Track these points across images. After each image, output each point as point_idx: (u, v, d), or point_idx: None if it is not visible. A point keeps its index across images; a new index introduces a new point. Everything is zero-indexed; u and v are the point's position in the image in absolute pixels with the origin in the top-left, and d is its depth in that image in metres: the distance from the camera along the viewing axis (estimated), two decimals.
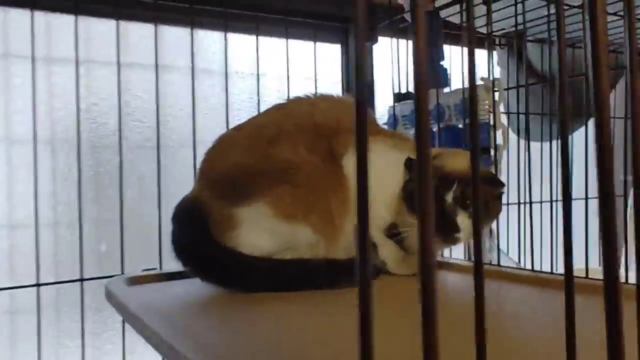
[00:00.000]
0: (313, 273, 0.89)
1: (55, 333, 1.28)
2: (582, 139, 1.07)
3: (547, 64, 1.49)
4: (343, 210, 0.93)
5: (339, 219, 0.92)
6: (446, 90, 1.21)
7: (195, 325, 0.71)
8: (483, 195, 0.88)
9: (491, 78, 1.06)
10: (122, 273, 1.12)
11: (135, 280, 0.97)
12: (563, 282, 0.32)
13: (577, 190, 1.00)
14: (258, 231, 0.91)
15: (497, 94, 1.08)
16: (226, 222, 0.91)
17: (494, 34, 1.50)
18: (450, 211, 0.87)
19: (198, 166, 1.01)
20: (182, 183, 1.41)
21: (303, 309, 0.79)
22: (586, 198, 1.00)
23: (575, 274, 0.32)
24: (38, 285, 1.12)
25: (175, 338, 0.64)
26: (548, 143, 1.54)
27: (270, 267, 0.90)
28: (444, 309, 0.79)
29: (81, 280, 1.14)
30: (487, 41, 1.17)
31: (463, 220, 0.86)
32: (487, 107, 1.10)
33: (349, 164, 0.94)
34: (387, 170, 0.95)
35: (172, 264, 1.36)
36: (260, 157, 0.93)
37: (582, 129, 1.13)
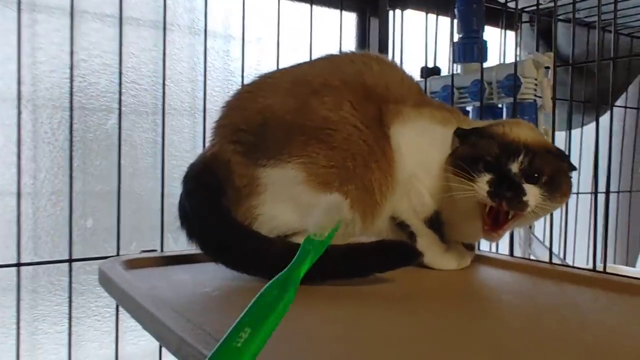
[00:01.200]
0: (333, 261, 0.71)
1: (31, 317, 1.13)
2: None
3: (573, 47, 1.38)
4: (386, 185, 0.79)
5: (380, 195, 0.79)
6: (485, 65, 1.09)
7: (211, 319, 0.58)
8: (553, 169, 0.76)
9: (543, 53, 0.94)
10: (118, 254, 0.98)
11: (133, 263, 0.84)
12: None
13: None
14: (284, 201, 0.77)
15: (549, 72, 0.96)
16: (247, 187, 0.78)
17: (524, 9, 1.38)
18: (516, 178, 0.74)
19: (219, 116, 0.85)
20: (181, 154, 1.28)
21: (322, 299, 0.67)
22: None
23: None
24: (19, 265, 0.97)
25: (194, 335, 0.51)
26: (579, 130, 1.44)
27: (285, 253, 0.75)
28: (491, 306, 0.70)
29: (70, 260, 0.99)
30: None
31: (529, 188, 0.74)
32: (534, 85, 0.99)
33: (398, 135, 0.82)
34: (433, 150, 0.83)
35: (174, 246, 1.25)
36: (299, 106, 0.79)
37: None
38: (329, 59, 0.89)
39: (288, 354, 0.49)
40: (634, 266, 1.58)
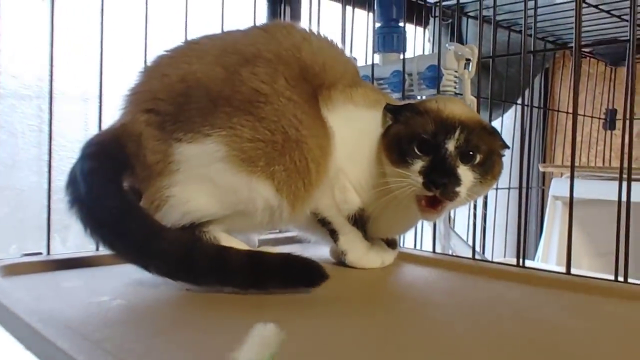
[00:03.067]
0: (230, 266, 0.64)
1: None
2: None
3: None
4: (317, 172, 0.72)
5: (311, 181, 0.71)
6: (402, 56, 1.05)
7: (112, 335, 0.49)
8: (488, 147, 0.72)
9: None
10: None
11: (13, 269, 0.71)
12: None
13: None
14: (199, 182, 0.68)
15: (470, 64, 0.94)
16: (159, 165, 0.67)
17: (436, 4, 1.37)
18: (451, 161, 0.70)
19: (134, 83, 0.73)
20: (71, 144, 1.13)
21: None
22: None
23: None
24: None
25: (91, 355, 0.42)
26: None
27: (186, 250, 0.64)
28: (421, 306, 0.66)
29: None
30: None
31: (464, 173, 0.70)
32: (455, 77, 0.97)
33: (335, 120, 0.75)
34: (363, 140, 0.77)
35: (62, 248, 1.10)
36: (227, 76, 0.69)
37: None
38: (264, 28, 0.80)
39: None
40: (532, 259, 1.64)
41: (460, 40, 1.51)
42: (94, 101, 1.10)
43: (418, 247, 1.08)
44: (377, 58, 1.12)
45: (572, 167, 0.82)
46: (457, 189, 0.69)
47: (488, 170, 0.72)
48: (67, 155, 1.14)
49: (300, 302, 0.63)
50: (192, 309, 0.61)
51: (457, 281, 0.77)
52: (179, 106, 0.68)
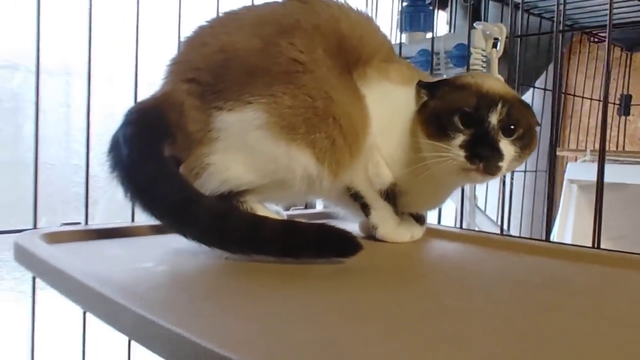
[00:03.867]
0: (265, 235, 0.65)
1: None
2: None
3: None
4: (357, 143, 0.72)
5: (352, 150, 0.71)
6: (429, 34, 1.06)
7: (164, 296, 0.51)
8: (527, 122, 0.73)
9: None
10: (35, 227, 0.85)
11: (55, 237, 0.72)
12: None
13: None
14: (238, 151, 0.68)
15: (498, 44, 0.95)
16: (200, 133, 0.68)
17: None
18: (494, 135, 0.70)
19: (175, 53, 0.75)
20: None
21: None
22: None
23: None
24: None
25: (152, 311, 0.44)
26: None
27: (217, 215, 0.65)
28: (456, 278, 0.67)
29: None
30: None
31: (505, 147, 0.71)
32: (482, 56, 0.97)
33: (370, 96, 0.75)
34: (396, 117, 0.78)
35: (90, 220, 1.12)
36: (265, 46, 0.70)
37: None
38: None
39: (248, 333, 0.42)
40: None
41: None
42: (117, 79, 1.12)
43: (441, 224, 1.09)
44: (403, 37, 1.13)
45: (602, 151, 0.83)
46: (500, 163, 0.70)
47: (527, 145, 0.73)
48: (94, 132, 1.16)
49: (334, 272, 0.63)
50: (232, 276, 0.62)
51: (487, 255, 0.78)
52: (218, 76, 0.69)
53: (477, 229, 1.17)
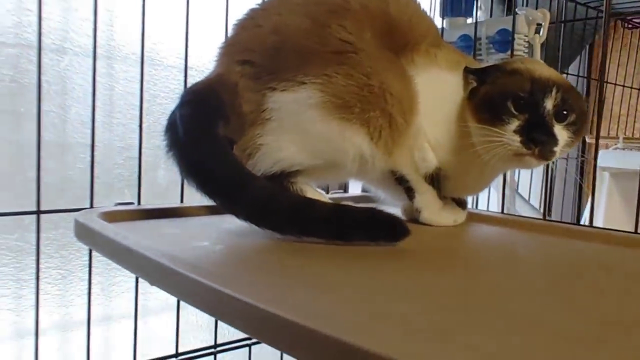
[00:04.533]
0: (316, 217, 0.66)
1: None
2: None
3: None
4: (411, 118, 0.73)
5: (406, 127, 0.72)
6: (469, 20, 1.06)
7: (228, 273, 0.52)
8: (579, 107, 0.74)
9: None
10: (92, 206, 0.88)
11: (111, 216, 0.75)
12: None
13: None
14: (290, 131, 0.70)
15: (541, 29, 0.95)
16: (253, 114, 0.70)
17: None
18: (549, 120, 0.71)
19: (228, 35, 0.76)
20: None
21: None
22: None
23: None
24: None
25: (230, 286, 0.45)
26: None
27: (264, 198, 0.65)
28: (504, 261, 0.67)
29: (38, 212, 0.87)
30: None
31: (559, 132, 0.71)
32: (525, 42, 0.97)
33: (418, 81, 0.76)
34: (443, 102, 0.79)
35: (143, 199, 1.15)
36: (315, 28, 0.71)
37: None
38: None
39: (328, 305, 0.44)
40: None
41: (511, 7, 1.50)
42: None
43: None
44: (442, 22, 1.13)
45: None
46: (555, 148, 0.71)
47: (578, 130, 0.73)
48: (133, 114, 1.18)
49: (384, 254, 0.64)
50: (289, 254, 0.63)
51: (531, 239, 0.79)
52: (271, 58, 0.70)
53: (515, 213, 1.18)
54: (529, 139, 0.70)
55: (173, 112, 0.71)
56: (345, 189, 1.13)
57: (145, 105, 1.16)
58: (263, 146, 0.71)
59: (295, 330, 0.38)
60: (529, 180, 1.52)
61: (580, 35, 1.60)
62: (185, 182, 0.69)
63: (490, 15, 1.45)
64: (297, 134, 0.70)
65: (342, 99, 0.68)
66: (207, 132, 0.68)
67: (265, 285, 0.50)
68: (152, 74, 1.16)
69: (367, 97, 0.69)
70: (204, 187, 0.67)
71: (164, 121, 1.18)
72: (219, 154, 0.67)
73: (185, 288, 0.49)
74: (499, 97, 0.73)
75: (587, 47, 2.07)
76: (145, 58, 1.15)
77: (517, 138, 0.70)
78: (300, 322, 0.38)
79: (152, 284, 0.55)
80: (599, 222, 1.62)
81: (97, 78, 1.10)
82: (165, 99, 1.19)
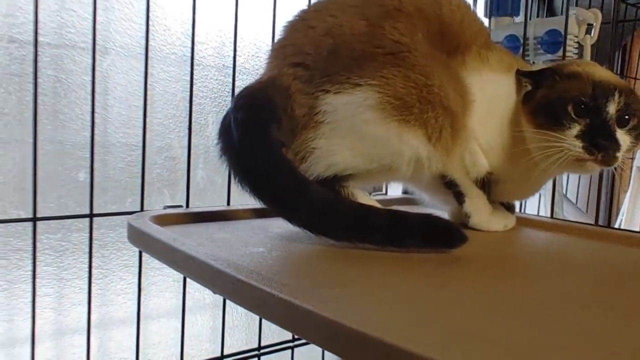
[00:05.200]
0: (372, 224, 0.65)
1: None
2: None
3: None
4: (464, 120, 0.72)
5: (460, 129, 0.71)
6: (517, 19, 1.04)
7: (289, 280, 0.51)
8: None
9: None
10: (142, 209, 0.88)
11: (162, 220, 0.74)
12: None
13: None
14: (345, 134, 0.68)
15: (592, 30, 0.93)
16: (304, 117, 0.69)
17: None
18: (612, 125, 0.69)
19: (279, 37, 0.75)
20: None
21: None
22: None
23: None
24: (35, 219, 0.85)
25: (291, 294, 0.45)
26: None
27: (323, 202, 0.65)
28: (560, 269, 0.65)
29: (90, 215, 0.88)
30: None
31: (622, 137, 0.69)
32: (575, 43, 0.95)
33: (471, 84, 0.75)
34: (496, 105, 0.78)
35: (170, 202, 1.15)
36: (370, 30, 0.69)
37: None
38: None
39: (399, 319, 0.43)
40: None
41: (551, 8, 1.48)
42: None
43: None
44: (489, 22, 1.11)
45: None
46: (617, 153, 0.69)
47: (639, 135, 0.72)
48: (172, 114, 1.18)
49: (441, 261, 0.64)
50: (345, 261, 0.62)
51: (585, 246, 0.78)
52: (325, 60, 0.69)
53: (563, 217, 1.16)
54: (592, 144, 0.68)
55: (226, 116, 0.70)
56: (384, 190, 1.12)
57: (184, 105, 1.17)
58: (316, 150, 0.70)
59: (385, 350, 0.37)
60: (565, 180, 1.50)
61: (619, 34, 1.57)
62: (240, 186, 0.69)
63: (566, 13, 1.42)
64: (351, 137, 0.69)
65: (401, 99, 0.67)
66: (263, 137, 0.67)
67: (334, 295, 0.49)
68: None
69: (427, 97, 0.68)
70: (259, 193, 0.67)
71: (202, 120, 1.19)
72: (274, 160, 0.67)
73: (257, 300, 0.48)
74: (558, 102, 0.71)
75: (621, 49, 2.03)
76: (184, 58, 1.15)
77: (579, 143, 0.69)
78: (389, 341, 0.37)
79: (215, 292, 0.54)
80: (636, 221, 1.59)
81: (137, 78, 1.10)
82: (204, 98, 1.19)
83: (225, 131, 0.69)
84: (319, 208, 0.66)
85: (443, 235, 0.66)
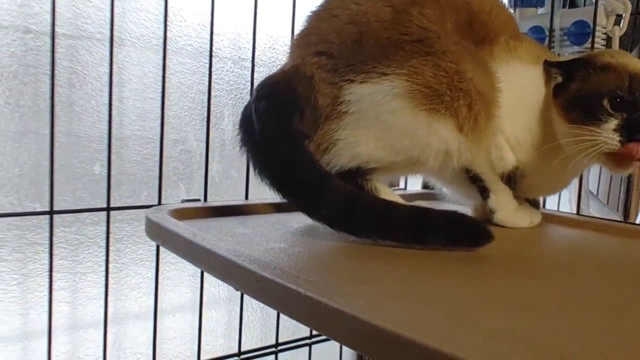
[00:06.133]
0: (394, 220, 0.63)
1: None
2: None
3: None
4: (493, 111, 0.69)
5: (489, 120, 0.69)
6: (541, 10, 1.02)
7: (313, 277, 0.49)
8: None
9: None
10: (159, 203, 0.86)
11: (180, 214, 0.73)
12: None
13: None
14: (370, 124, 0.66)
15: (621, 21, 0.90)
16: (327, 107, 0.67)
17: None
18: None
19: (303, 27, 0.73)
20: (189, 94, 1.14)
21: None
22: None
23: None
24: (51, 212, 0.84)
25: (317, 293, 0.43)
26: None
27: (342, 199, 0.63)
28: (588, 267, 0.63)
29: (108, 209, 0.87)
30: None
31: None
32: (603, 34, 0.92)
33: (500, 75, 0.72)
34: (524, 98, 0.75)
35: (185, 196, 1.13)
36: (396, 16, 0.67)
37: None
38: None
39: (430, 319, 0.41)
40: None
41: None
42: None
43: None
44: (513, 13, 1.08)
45: None
46: None
47: None
48: (188, 106, 1.16)
49: (467, 258, 0.61)
50: (369, 259, 0.61)
51: (614, 244, 0.75)
52: (350, 49, 0.67)
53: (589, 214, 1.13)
54: (631, 139, 0.65)
55: (247, 106, 0.68)
56: (402, 185, 1.09)
57: (200, 97, 1.15)
58: (340, 141, 0.68)
59: (420, 351, 0.35)
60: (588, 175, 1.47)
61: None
62: (259, 178, 0.67)
63: (595, 4, 1.38)
64: (376, 128, 0.67)
65: (431, 87, 0.64)
66: (284, 128, 0.66)
67: (365, 296, 0.47)
68: (207, 66, 1.14)
69: (458, 85, 0.65)
70: (279, 186, 0.65)
71: (218, 113, 1.17)
72: (296, 152, 0.65)
73: (282, 298, 0.46)
74: (593, 96, 0.69)
75: None
76: (201, 50, 1.13)
77: (617, 137, 0.66)
78: (424, 342, 0.35)
79: (237, 289, 0.53)
80: None
81: (152, 70, 1.09)
82: (220, 91, 1.17)
83: (246, 121, 0.67)
84: (340, 203, 0.64)
85: (469, 233, 0.64)
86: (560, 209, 1.04)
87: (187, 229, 0.63)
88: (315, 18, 0.73)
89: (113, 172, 1.04)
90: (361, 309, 0.40)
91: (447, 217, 0.65)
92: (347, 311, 0.41)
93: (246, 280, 0.51)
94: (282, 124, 0.66)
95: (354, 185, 0.69)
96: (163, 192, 1.09)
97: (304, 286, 0.46)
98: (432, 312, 0.44)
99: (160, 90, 1.11)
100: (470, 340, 0.38)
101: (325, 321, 0.43)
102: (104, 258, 1.04)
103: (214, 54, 1.15)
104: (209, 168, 1.17)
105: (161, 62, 1.12)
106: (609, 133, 0.67)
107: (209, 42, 1.05)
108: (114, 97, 1.03)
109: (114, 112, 1.03)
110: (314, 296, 0.43)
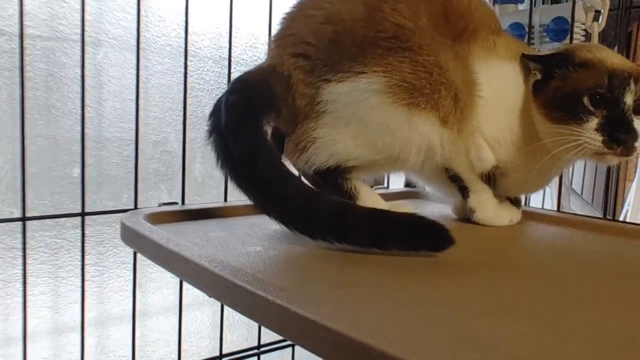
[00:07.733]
0: (351, 223, 0.60)
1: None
2: None
3: None
4: (471, 111, 0.69)
5: (468, 110, 0.68)
6: (522, 7, 1.01)
7: (285, 283, 0.49)
8: None
9: None
10: (136, 207, 0.85)
11: (156, 218, 0.72)
12: None
13: None
14: (348, 122, 0.65)
15: (600, 16, 0.89)
16: (305, 107, 0.66)
17: None
18: (629, 115, 0.66)
19: (278, 28, 0.73)
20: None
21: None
22: None
23: None
24: (24, 219, 0.83)
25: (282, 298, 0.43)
26: None
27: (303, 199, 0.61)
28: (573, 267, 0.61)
29: (82, 214, 0.85)
30: None
31: (639, 127, 0.66)
32: (582, 30, 0.92)
33: (477, 72, 0.72)
34: (505, 97, 0.75)
35: (168, 197, 1.13)
36: (369, 15, 0.66)
37: None
38: None
39: (403, 328, 0.41)
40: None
41: None
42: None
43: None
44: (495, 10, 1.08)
45: None
46: (636, 144, 0.66)
47: None
48: (168, 107, 1.15)
49: (440, 263, 0.60)
50: (343, 263, 0.59)
51: (595, 241, 0.75)
52: (326, 49, 0.66)
53: (570, 210, 1.14)
54: (612, 138, 0.65)
55: (220, 98, 0.67)
56: (385, 184, 1.09)
57: (180, 97, 1.14)
58: (317, 139, 0.67)
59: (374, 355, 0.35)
60: (570, 171, 1.47)
61: (625, 22, 1.53)
62: (221, 170, 0.65)
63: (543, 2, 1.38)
64: (354, 126, 0.66)
65: (409, 82, 0.64)
66: (251, 122, 0.65)
67: (335, 302, 0.46)
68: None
69: (438, 79, 0.65)
70: (238, 179, 0.64)
71: (199, 114, 1.16)
72: (258, 148, 0.64)
73: (251, 306, 0.46)
74: (573, 94, 0.68)
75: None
76: (180, 50, 1.12)
77: (599, 137, 0.66)
78: (393, 353, 0.34)
79: (210, 296, 0.52)
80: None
81: (131, 70, 1.07)
82: (201, 90, 1.16)
83: (216, 112, 0.66)
84: (297, 202, 0.62)
85: (429, 238, 0.61)
86: (545, 206, 1.04)
87: (161, 234, 0.63)
88: (290, 20, 0.72)
89: (93, 175, 1.03)
90: (331, 316, 0.40)
91: (406, 220, 0.62)
92: (316, 319, 0.40)
93: (217, 286, 0.50)
94: (248, 119, 0.65)
95: (334, 185, 0.68)
96: (144, 194, 1.08)
97: (274, 293, 0.45)
98: (404, 318, 0.43)
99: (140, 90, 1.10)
100: (439, 348, 0.37)
101: (294, 329, 0.42)
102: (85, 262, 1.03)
103: (194, 53, 1.15)
104: (192, 169, 1.16)
105: (141, 63, 1.11)
106: (590, 133, 0.66)
107: (189, 42, 1.05)
108: (92, 99, 1.02)
109: (92, 114, 1.02)
110: (283, 304, 0.43)
